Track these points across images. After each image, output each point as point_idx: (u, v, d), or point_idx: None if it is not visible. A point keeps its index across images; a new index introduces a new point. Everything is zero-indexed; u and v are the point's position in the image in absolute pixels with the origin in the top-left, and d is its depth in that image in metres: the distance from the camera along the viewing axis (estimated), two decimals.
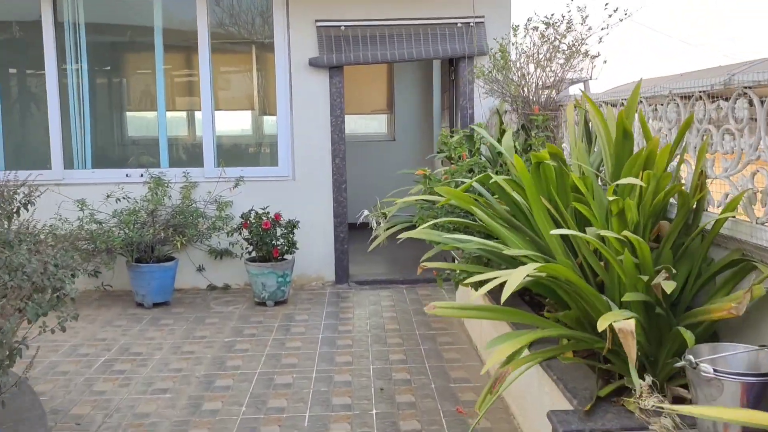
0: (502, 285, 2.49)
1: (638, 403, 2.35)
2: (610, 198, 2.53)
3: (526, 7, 6.02)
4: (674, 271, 2.50)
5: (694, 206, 2.84)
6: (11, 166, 6.73)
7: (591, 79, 4.42)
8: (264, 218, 6.29)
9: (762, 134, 2.49)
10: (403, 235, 3.75)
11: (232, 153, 7.56)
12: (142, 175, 6.89)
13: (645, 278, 2.47)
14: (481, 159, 4.43)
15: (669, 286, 2.36)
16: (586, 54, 4.42)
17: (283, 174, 7.02)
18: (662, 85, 3.11)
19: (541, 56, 4.56)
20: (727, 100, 2.68)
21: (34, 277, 3.14)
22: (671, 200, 3.02)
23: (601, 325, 2.17)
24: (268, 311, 6.17)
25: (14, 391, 3.15)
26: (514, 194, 3.39)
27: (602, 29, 4.63)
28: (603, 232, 2.46)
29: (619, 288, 2.79)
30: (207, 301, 6.54)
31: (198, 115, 7.21)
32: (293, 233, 6.41)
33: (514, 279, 2.38)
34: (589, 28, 4.63)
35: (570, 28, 4.57)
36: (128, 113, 7.75)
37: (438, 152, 5.57)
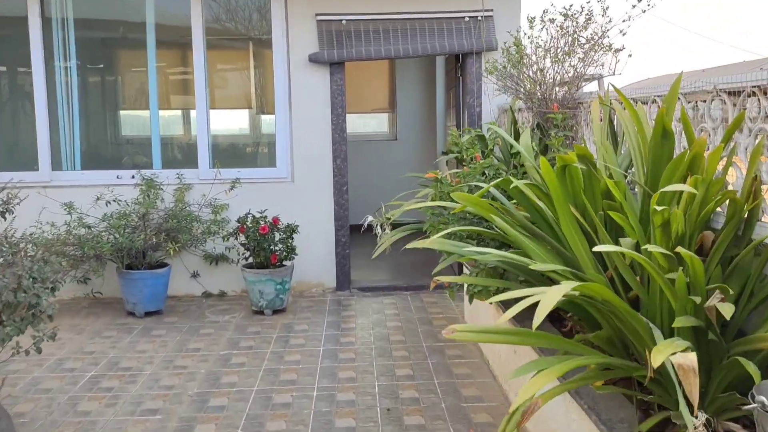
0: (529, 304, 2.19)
1: None
2: (657, 208, 2.21)
3: (536, 1, 5.69)
4: (731, 291, 2.18)
5: (746, 215, 2.52)
6: None
7: (615, 74, 4.09)
8: (261, 222, 5.97)
9: None
10: (414, 245, 3.43)
11: (228, 153, 7.23)
12: (133, 177, 6.57)
13: (697, 300, 2.15)
14: (494, 161, 4.11)
15: (727, 310, 2.05)
16: (609, 47, 4.10)
17: (282, 175, 6.70)
18: (704, 79, 2.79)
19: (558, 50, 4.24)
20: None
21: (3, 295, 2.82)
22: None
23: (656, 359, 1.85)
24: (265, 321, 5.85)
25: None
26: (537, 200, 3.07)
27: (623, 21, 4.31)
28: (651, 248, 2.14)
29: (660, 309, 2.47)
30: (202, 309, 6.22)
31: (192, 114, 6.88)
32: (292, 238, 6.08)
33: (549, 300, 2.06)
34: (610, 20, 4.31)
35: (590, 19, 4.25)
36: (119, 112, 7.41)
37: (448, 152, 5.24)
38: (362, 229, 5.21)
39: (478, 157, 4.08)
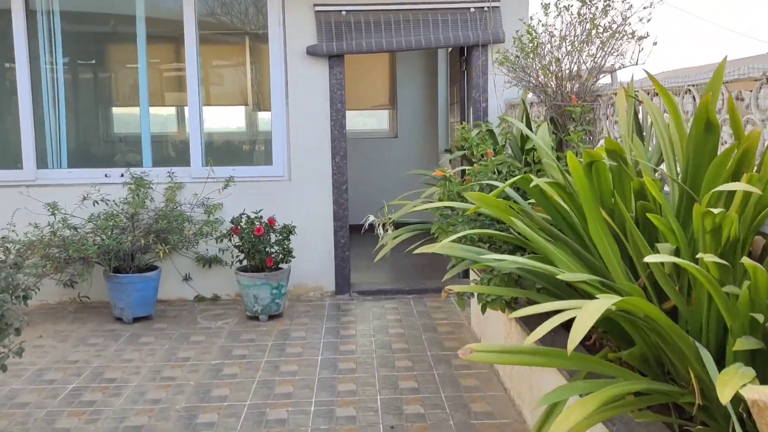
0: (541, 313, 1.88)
1: None
2: (712, 210, 1.90)
3: None
4: None
5: None
6: None
7: (637, 64, 3.78)
8: (257, 223, 5.65)
9: None
10: (423, 250, 3.11)
11: (222, 151, 6.91)
12: (122, 175, 6.24)
13: (760, 318, 1.84)
14: (507, 158, 3.80)
15: None
16: (632, 34, 3.79)
17: (278, 174, 6.37)
18: (750, 65, 2.48)
19: (575, 38, 3.92)
20: None
21: None
22: None
23: (724, 394, 1.54)
24: (261, 327, 5.53)
25: None
26: (560, 201, 2.76)
27: (644, 8, 4.00)
28: (707, 257, 1.83)
29: (707, 325, 2.16)
30: (193, 314, 5.90)
31: (185, 110, 6.56)
32: (289, 239, 5.76)
33: (586, 319, 1.75)
34: (630, 7, 4.00)
35: (609, 6, 3.94)
36: (108, 109, 7.08)
37: (451, 150, 4.92)
38: (363, 230, 4.90)
39: (489, 153, 3.77)
